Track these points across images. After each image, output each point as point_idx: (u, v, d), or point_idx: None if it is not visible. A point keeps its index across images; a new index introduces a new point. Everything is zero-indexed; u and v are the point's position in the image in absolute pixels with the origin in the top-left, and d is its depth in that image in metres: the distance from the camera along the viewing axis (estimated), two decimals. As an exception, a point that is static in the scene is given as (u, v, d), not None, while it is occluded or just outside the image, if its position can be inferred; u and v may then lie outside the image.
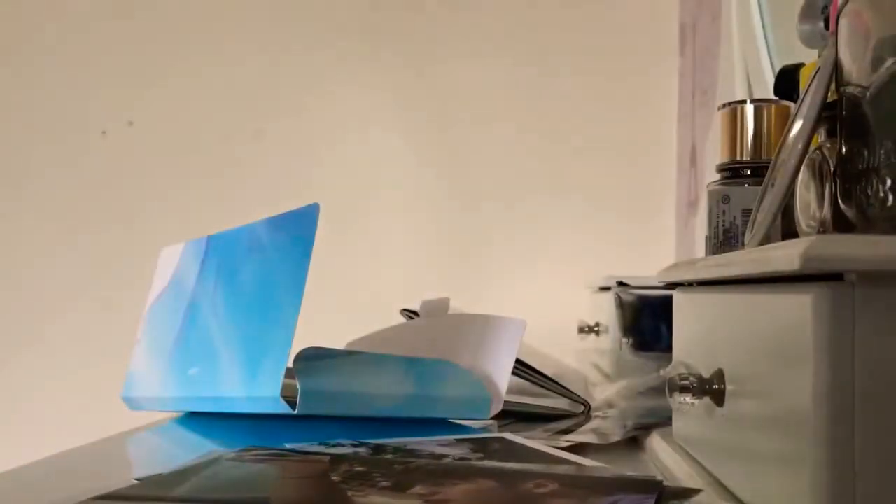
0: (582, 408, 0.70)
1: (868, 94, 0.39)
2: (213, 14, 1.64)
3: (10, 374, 1.58)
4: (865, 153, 0.37)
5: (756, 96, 0.86)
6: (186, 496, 0.38)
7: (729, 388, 0.41)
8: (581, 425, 0.64)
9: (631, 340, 0.93)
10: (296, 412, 0.54)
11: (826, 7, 0.60)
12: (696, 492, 0.40)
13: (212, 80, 1.63)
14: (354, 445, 0.49)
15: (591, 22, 1.63)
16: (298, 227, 0.57)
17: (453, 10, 1.63)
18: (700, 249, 0.91)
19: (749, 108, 0.64)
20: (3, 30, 1.65)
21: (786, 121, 0.64)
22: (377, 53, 1.63)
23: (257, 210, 0.69)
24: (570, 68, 1.62)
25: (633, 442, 0.58)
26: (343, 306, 1.36)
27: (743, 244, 0.52)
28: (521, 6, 1.63)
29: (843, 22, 0.42)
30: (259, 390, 0.55)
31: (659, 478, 0.40)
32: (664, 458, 0.52)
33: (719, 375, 0.42)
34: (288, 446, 0.49)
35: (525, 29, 1.62)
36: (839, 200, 0.39)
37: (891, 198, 0.35)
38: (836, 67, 0.42)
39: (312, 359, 0.56)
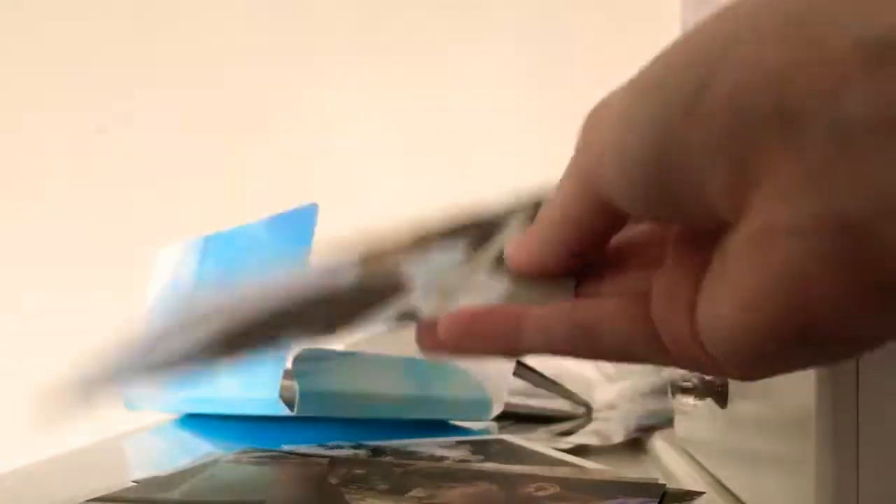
0: (583, 409, 0.69)
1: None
2: (210, 10, 1.64)
3: (9, 374, 1.58)
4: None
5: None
6: (183, 499, 0.38)
7: (732, 389, 0.41)
8: (582, 427, 0.63)
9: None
10: (294, 413, 0.53)
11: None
12: (698, 494, 0.40)
13: (210, 78, 1.63)
14: (353, 447, 0.49)
15: (591, 20, 1.62)
16: (297, 227, 0.57)
17: (453, 10, 1.62)
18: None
19: (751, 107, 0.63)
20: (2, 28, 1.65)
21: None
22: (376, 52, 1.62)
23: (255, 209, 0.68)
24: (571, 67, 1.61)
25: (635, 444, 0.58)
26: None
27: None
28: (522, 4, 1.63)
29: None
30: (257, 391, 0.55)
31: (661, 480, 0.39)
32: (666, 460, 0.51)
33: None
34: (286, 448, 0.48)
35: (525, 28, 1.62)
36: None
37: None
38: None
39: (311, 359, 0.55)
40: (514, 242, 0.28)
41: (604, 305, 0.25)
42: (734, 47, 0.19)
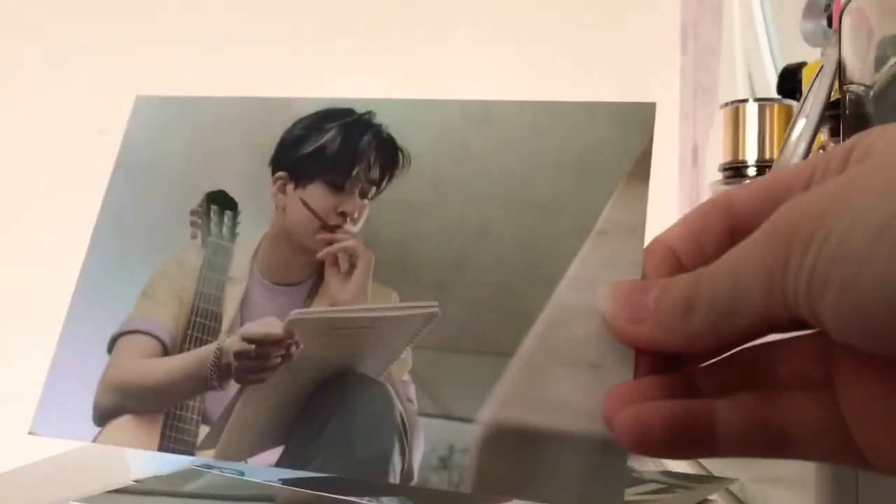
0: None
1: (871, 92, 0.38)
2: (208, 10, 1.64)
3: (10, 374, 1.58)
4: (869, 152, 0.37)
5: (758, 95, 0.86)
6: (198, 491, 0.38)
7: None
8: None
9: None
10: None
11: (829, 5, 0.59)
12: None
13: (208, 79, 1.63)
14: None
15: (591, 21, 1.62)
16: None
17: (450, 9, 1.62)
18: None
19: (751, 108, 0.63)
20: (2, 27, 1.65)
21: (788, 120, 0.63)
22: (377, 52, 1.62)
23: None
24: (571, 67, 1.62)
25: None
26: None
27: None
28: (521, 5, 1.63)
29: (846, 20, 0.42)
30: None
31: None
32: (666, 460, 0.51)
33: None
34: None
35: (524, 27, 1.62)
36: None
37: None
38: (839, 66, 0.42)
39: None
40: (666, 299, 0.23)
41: (793, 415, 0.22)
42: None
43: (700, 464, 0.47)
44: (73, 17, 1.65)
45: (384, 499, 0.37)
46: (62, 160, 1.62)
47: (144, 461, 0.58)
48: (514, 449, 0.25)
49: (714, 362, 0.23)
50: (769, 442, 0.22)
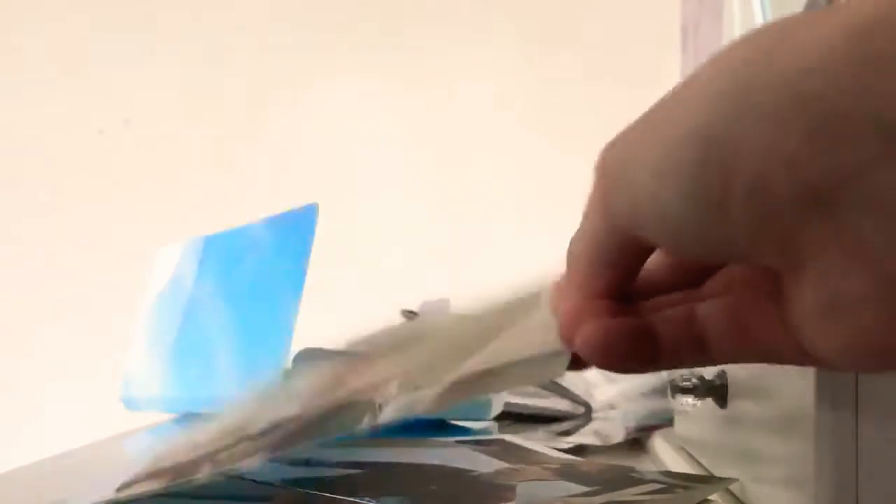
0: (583, 409, 0.69)
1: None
2: (211, 10, 1.64)
3: (9, 374, 1.58)
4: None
5: (758, 95, 0.86)
6: (197, 491, 0.38)
7: (731, 389, 0.41)
8: (582, 427, 0.63)
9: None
10: (295, 413, 0.53)
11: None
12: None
13: (208, 79, 1.63)
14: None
15: (591, 21, 1.62)
16: (297, 228, 0.57)
17: (453, 9, 1.62)
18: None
19: (751, 108, 0.63)
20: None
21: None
22: (377, 51, 1.62)
23: (255, 209, 0.68)
24: (570, 68, 1.61)
25: (635, 443, 0.58)
26: (342, 307, 1.35)
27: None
28: (521, 5, 1.63)
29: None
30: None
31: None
32: (666, 460, 0.51)
33: (722, 376, 0.41)
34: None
35: (525, 29, 1.62)
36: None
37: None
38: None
39: (311, 359, 0.55)
40: (557, 302, 0.27)
41: (710, 319, 0.24)
42: (753, 129, 0.19)
43: (700, 464, 0.47)
44: (72, 16, 1.65)
45: (384, 499, 0.37)
46: (62, 159, 1.61)
47: (144, 461, 0.58)
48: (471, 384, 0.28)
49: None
50: (694, 348, 0.24)
